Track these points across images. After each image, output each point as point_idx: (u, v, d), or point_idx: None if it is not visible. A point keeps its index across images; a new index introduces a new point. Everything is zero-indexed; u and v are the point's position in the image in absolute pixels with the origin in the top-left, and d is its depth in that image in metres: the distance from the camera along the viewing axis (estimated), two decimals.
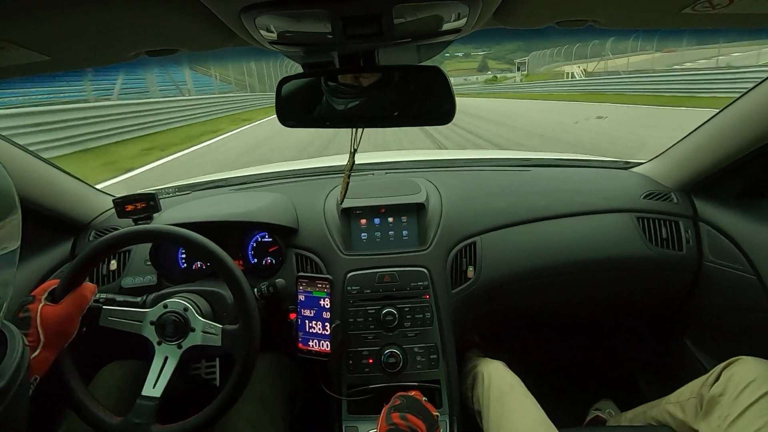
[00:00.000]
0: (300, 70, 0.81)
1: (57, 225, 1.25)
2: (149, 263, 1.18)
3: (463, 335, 1.34)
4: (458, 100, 0.73)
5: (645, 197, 1.31)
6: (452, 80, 0.74)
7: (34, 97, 7.83)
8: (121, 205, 1.17)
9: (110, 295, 0.97)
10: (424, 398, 0.94)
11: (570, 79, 24.47)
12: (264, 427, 0.98)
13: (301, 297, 1.09)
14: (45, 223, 1.21)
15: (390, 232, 1.23)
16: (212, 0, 0.44)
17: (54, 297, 0.82)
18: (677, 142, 1.33)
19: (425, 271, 1.17)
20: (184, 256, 1.24)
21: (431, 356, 1.13)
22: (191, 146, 9.46)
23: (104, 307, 0.91)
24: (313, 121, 0.86)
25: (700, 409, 0.92)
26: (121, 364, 1.08)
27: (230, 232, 1.22)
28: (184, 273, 1.23)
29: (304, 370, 1.19)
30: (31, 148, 1.13)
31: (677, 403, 1.00)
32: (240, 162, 7.37)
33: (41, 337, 0.76)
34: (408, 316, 1.14)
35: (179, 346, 0.89)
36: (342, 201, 1.19)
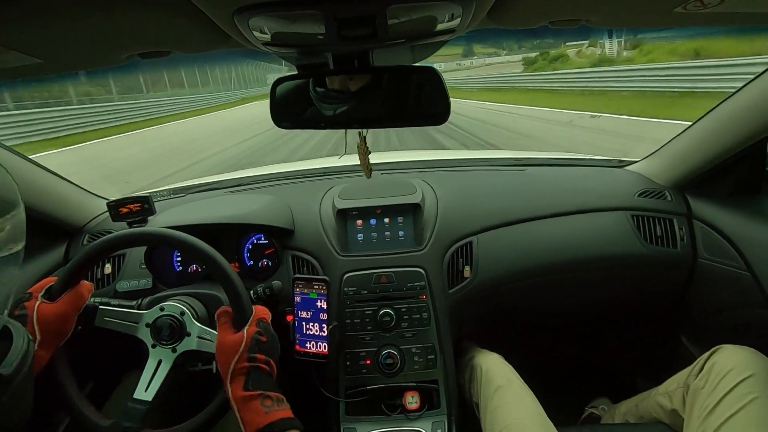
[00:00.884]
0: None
1: (50, 229, 1.24)
2: (144, 267, 1.17)
3: (460, 335, 1.34)
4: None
5: (639, 195, 1.32)
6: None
7: None
8: (115, 208, 1.16)
9: (105, 299, 0.96)
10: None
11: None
12: None
13: (298, 299, 1.08)
14: (38, 227, 1.20)
15: (386, 233, 1.23)
16: (205, 1, 0.44)
17: (51, 295, 0.81)
18: (670, 140, 1.34)
19: (422, 271, 1.17)
20: (179, 259, 1.23)
21: (429, 356, 1.13)
22: None
23: (100, 307, 0.91)
24: (307, 122, 0.86)
25: (686, 398, 0.94)
26: (138, 375, 1.07)
27: (226, 235, 1.22)
28: (180, 276, 1.22)
29: (301, 372, 1.19)
30: None
31: (665, 394, 1.02)
32: None
33: (37, 334, 0.75)
34: (405, 317, 1.14)
35: (174, 350, 0.88)
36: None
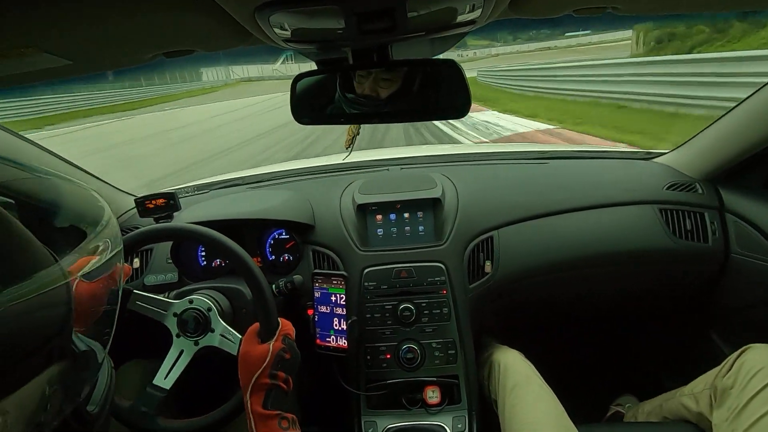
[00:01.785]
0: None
1: None
2: (170, 261, 1.20)
3: (481, 330, 1.33)
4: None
5: (668, 188, 1.28)
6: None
7: None
8: (142, 204, 1.20)
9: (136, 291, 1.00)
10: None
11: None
12: None
13: (317, 294, 1.10)
14: None
15: (406, 228, 1.23)
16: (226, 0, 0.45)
17: (89, 275, 0.84)
18: (701, 131, 1.29)
19: (442, 266, 1.16)
20: (203, 253, 1.26)
21: (449, 351, 1.13)
22: None
23: (135, 291, 0.95)
24: (327, 117, 0.86)
25: (714, 401, 0.91)
26: (138, 363, 1.11)
27: (248, 230, 1.24)
28: (204, 270, 1.25)
29: (322, 366, 1.20)
30: None
31: (691, 395, 0.99)
32: None
33: (72, 314, 0.78)
34: (425, 312, 1.14)
35: (196, 343, 0.91)
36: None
